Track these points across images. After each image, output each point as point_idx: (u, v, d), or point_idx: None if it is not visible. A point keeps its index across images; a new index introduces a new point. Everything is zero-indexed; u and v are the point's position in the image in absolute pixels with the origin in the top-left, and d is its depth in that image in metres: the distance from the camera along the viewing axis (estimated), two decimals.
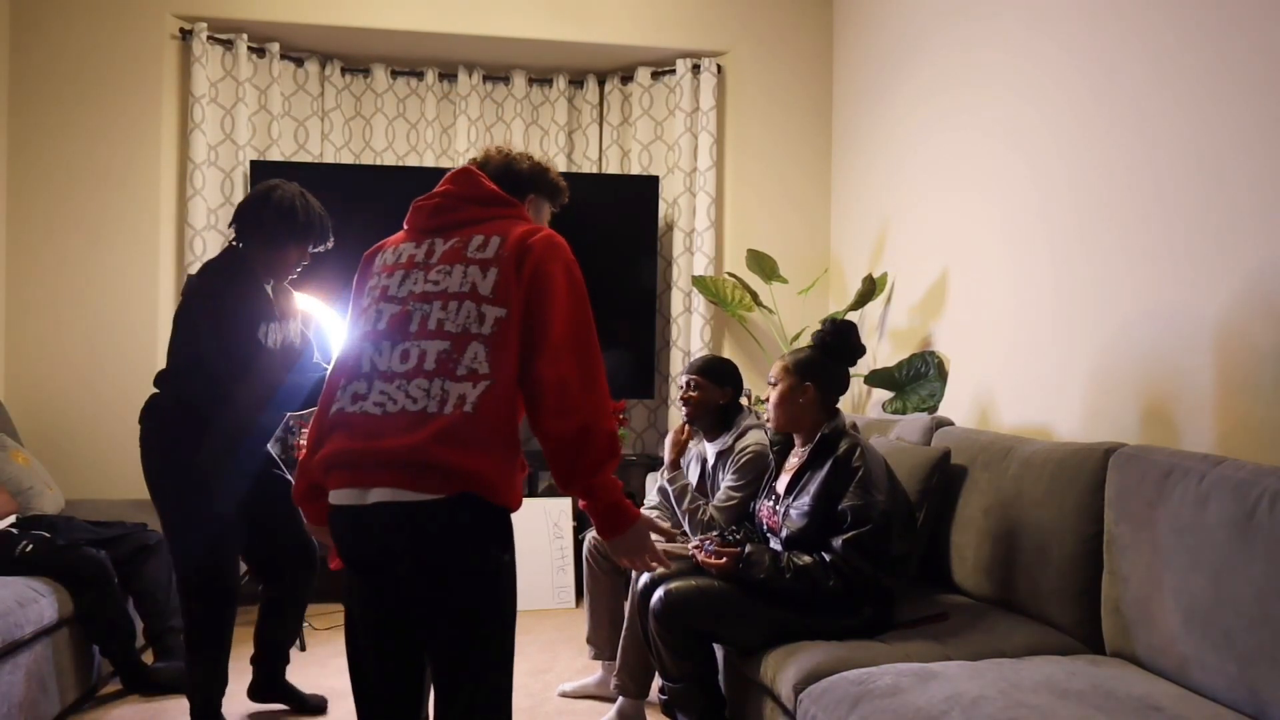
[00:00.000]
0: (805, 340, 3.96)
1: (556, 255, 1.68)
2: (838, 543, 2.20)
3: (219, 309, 2.41)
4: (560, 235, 1.73)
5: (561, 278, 1.65)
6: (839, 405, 2.48)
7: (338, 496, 1.64)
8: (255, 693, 2.80)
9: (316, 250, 2.60)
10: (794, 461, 2.44)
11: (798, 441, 2.47)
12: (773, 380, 2.45)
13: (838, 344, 2.46)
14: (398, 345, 1.64)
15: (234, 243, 2.56)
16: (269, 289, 2.56)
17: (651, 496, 3.16)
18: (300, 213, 2.51)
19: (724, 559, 2.30)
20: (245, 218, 2.51)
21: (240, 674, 2.82)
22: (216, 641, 2.53)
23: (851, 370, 3.90)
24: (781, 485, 2.43)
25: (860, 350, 2.49)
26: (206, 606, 2.52)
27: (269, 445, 2.70)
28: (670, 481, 2.83)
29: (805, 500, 2.29)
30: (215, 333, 2.41)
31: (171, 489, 2.48)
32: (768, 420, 2.49)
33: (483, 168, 1.84)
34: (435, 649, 1.65)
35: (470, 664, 1.62)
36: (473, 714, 1.63)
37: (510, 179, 1.84)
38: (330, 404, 1.71)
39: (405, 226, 1.82)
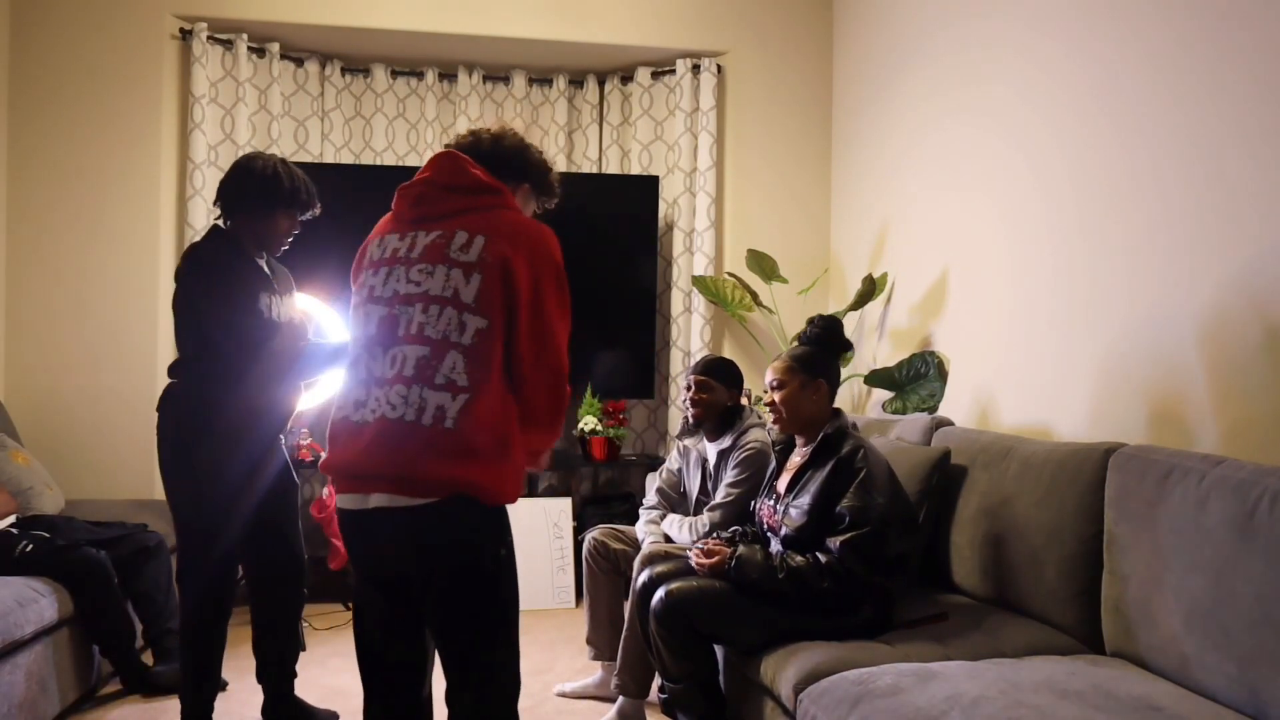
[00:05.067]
0: None
1: (548, 266, 1.68)
2: (834, 543, 2.19)
3: (213, 285, 2.37)
4: (550, 229, 1.72)
5: (552, 294, 1.68)
6: (839, 406, 2.47)
7: (343, 501, 1.72)
8: (267, 712, 2.69)
9: (305, 218, 2.56)
10: (796, 460, 2.44)
11: (799, 441, 2.46)
12: (776, 382, 2.41)
13: (831, 338, 2.46)
14: (388, 350, 1.67)
15: (218, 220, 2.52)
16: (263, 263, 2.53)
17: (650, 497, 3.16)
18: (284, 179, 2.46)
19: (714, 557, 2.31)
20: (228, 192, 2.46)
21: (252, 692, 2.79)
22: (208, 640, 2.49)
23: (851, 370, 3.92)
24: (782, 484, 2.43)
25: (848, 343, 2.50)
26: (202, 602, 2.48)
27: (283, 441, 2.66)
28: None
29: (805, 499, 2.29)
30: (215, 310, 2.36)
31: (182, 479, 2.44)
32: (773, 423, 2.46)
33: (473, 148, 1.79)
34: (442, 644, 1.71)
35: (477, 657, 1.69)
36: (481, 702, 1.69)
37: (504, 164, 1.79)
38: (336, 408, 1.77)
39: (392, 210, 1.81)
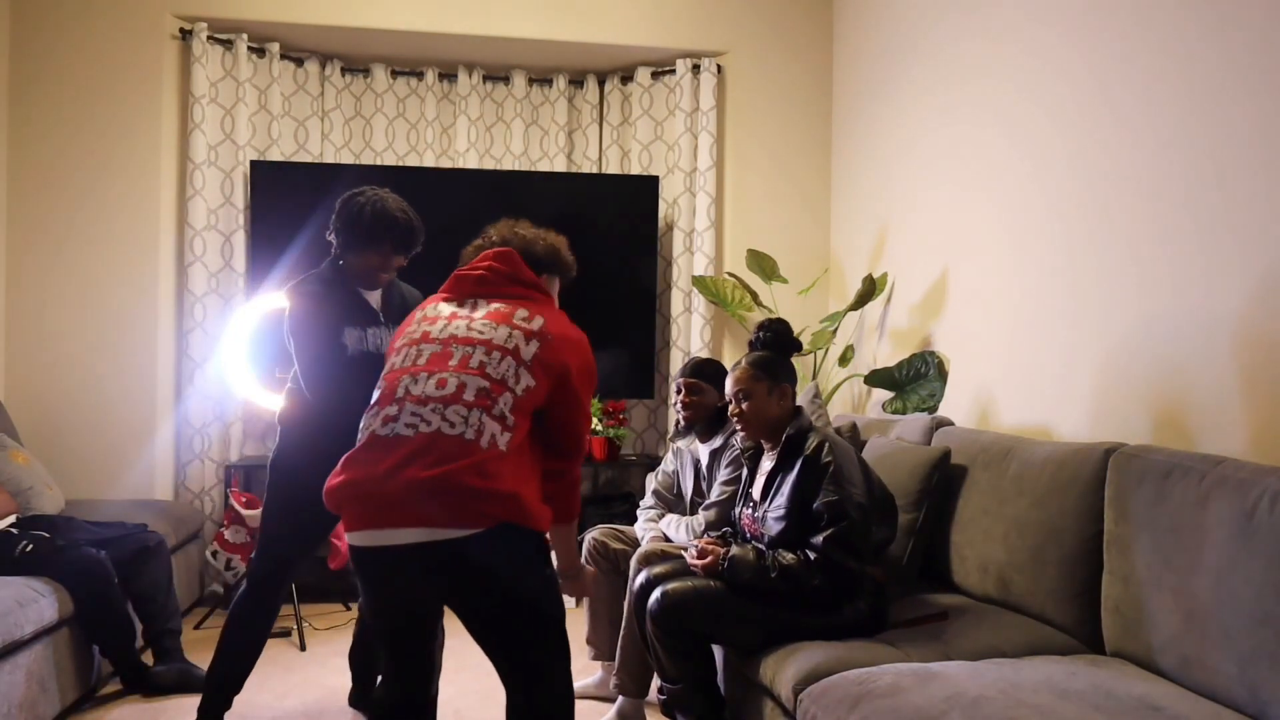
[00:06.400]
0: (806, 341, 3.99)
1: (587, 368, 1.90)
2: (819, 540, 2.19)
3: (295, 313, 2.43)
4: (584, 335, 1.95)
5: (587, 404, 1.93)
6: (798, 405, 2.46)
7: (362, 538, 1.71)
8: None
9: (399, 256, 2.49)
10: (766, 465, 2.43)
11: (766, 446, 2.44)
12: (742, 392, 2.38)
13: (784, 340, 2.46)
14: (434, 375, 1.76)
15: (335, 249, 2.53)
16: (372, 295, 2.53)
17: (649, 498, 3.16)
18: (363, 217, 2.43)
19: (708, 558, 2.31)
20: (333, 226, 2.50)
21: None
22: (246, 639, 2.54)
23: (851, 370, 3.91)
24: (757, 491, 2.43)
25: (799, 343, 2.51)
26: (246, 597, 2.53)
27: None
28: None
29: (781, 502, 2.29)
30: (296, 337, 2.42)
31: (270, 482, 2.58)
32: (739, 431, 2.45)
33: (520, 248, 2.00)
34: (507, 659, 1.78)
35: (542, 668, 1.79)
36: (551, 704, 1.80)
37: (528, 260, 1.99)
38: (360, 430, 1.81)
39: (443, 291, 1.97)
